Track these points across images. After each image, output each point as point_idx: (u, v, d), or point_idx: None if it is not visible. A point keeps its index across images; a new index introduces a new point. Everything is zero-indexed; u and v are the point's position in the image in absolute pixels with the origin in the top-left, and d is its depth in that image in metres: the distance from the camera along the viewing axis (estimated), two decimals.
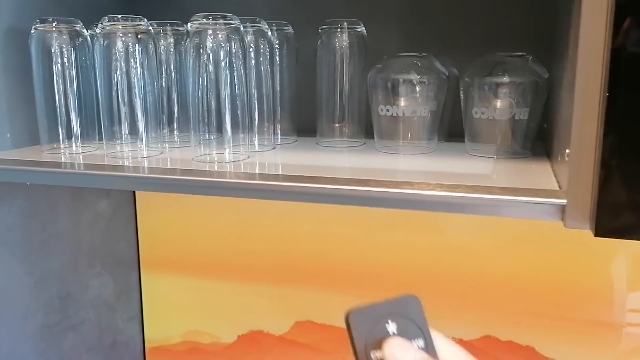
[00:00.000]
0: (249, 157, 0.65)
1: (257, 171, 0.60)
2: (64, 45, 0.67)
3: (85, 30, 0.68)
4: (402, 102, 0.65)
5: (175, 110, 0.75)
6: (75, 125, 0.69)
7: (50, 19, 0.66)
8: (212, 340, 1.02)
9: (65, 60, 0.67)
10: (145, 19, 0.66)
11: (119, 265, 0.99)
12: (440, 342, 0.32)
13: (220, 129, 0.62)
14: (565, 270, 0.80)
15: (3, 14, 0.70)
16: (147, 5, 0.87)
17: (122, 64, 0.64)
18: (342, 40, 0.70)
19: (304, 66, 0.74)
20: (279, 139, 0.74)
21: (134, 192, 1.01)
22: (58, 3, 0.77)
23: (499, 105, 0.62)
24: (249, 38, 0.67)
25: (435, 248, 0.85)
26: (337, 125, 0.73)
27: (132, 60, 0.65)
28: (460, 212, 0.48)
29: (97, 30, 0.64)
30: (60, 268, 0.85)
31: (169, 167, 0.62)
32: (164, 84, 0.72)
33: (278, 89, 0.73)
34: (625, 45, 0.40)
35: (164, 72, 0.72)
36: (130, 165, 0.63)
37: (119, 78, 0.65)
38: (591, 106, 0.41)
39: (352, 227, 0.89)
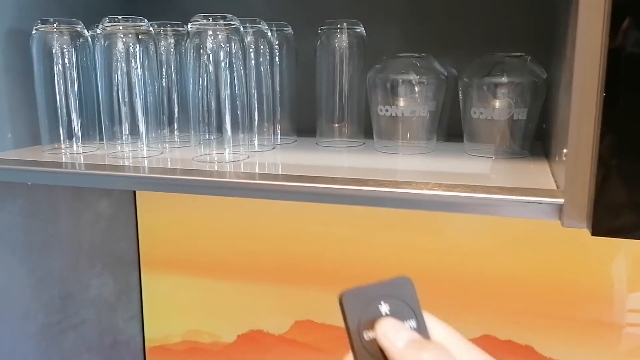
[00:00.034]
0: (248, 157, 0.65)
1: (257, 171, 0.60)
2: (64, 45, 0.67)
3: (86, 31, 0.69)
4: (401, 102, 0.66)
5: (176, 110, 0.75)
6: (76, 126, 0.70)
7: (51, 20, 0.67)
8: (212, 339, 1.02)
9: (66, 60, 0.67)
10: (146, 20, 0.66)
11: (119, 264, 0.99)
12: (433, 323, 0.32)
13: (220, 129, 0.63)
14: (564, 270, 0.80)
15: (4, 15, 0.70)
16: (147, 6, 0.88)
17: (123, 65, 0.65)
18: (342, 40, 0.70)
19: (303, 66, 0.74)
20: (279, 139, 0.75)
21: (135, 192, 1.01)
22: (59, 4, 0.77)
23: (498, 106, 0.62)
24: (248, 39, 0.67)
25: (435, 248, 0.85)
26: (336, 125, 0.73)
27: (132, 60, 0.65)
28: (459, 211, 0.48)
29: (98, 31, 0.65)
30: (60, 268, 0.86)
31: (169, 167, 0.62)
32: (164, 84, 0.73)
33: (278, 89, 0.73)
34: (622, 46, 0.40)
35: (164, 73, 0.73)
36: (131, 165, 0.63)
37: (120, 78, 0.65)
38: (588, 106, 0.41)
39: (352, 227, 0.89)
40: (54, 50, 0.67)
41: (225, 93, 0.62)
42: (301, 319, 0.95)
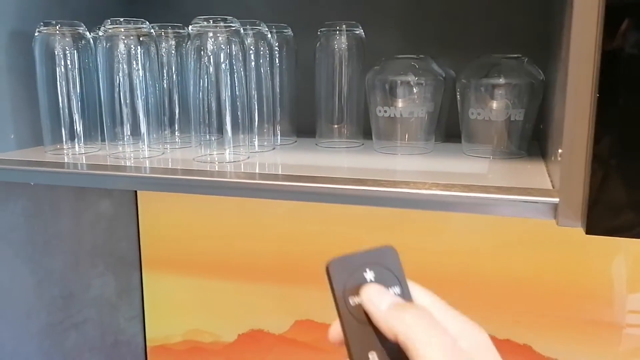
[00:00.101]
0: (249, 157, 0.66)
1: (257, 171, 0.61)
2: (67, 47, 0.68)
3: (88, 33, 0.69)
4: (400, 104, 0.66)
5: (177, 111, 0.76)
6: (78, 127, 0.70)
7: (54, 22, 0.67)
8: (213, 339, 1.03)
9: (69, 62, 0.68)
10: (147, 22, 0.67)
11: (120, 264, 1.00)
12: (417, 291, 0.33)
13: (220, 130, 0.63)
14: (563, 270, 0.81)
15: (7, 18, 0.71)
16: (148, 8, 0.88)
17: (124, 66, 0.65)
18: (341, 42, 0.71)
19: (303, 68, 0.75)
20: (279, 140, 0.75)
21: (136, 192, 1.02)
22: (61, 6, 0.78)
23: (495, 107, 0.63)
24: (249, 40, 0.68)
25: (435, 248, 0.86)
26: (336, 126, 0.73)
27: (134, 62, 0.66)
28: (456, 210, 0.49)
29: (100, 33, 0.65)
30: (62, 267, 0.86)
31: (170, 167, 0.63)
32: (165, 85, 0.74)
33: (278, 90, 0.74)
34: (615, 47, 0.40)
35: (165, 74, 0.73)
36: (132, 165, 0.64)
37: (121, 80, 0.66)
38: (583, 106, 0.42)
39: (352, 227, 0.90)
40: (56, 52, 0.67)
41: (226, 94, 0.62)
42: (301, 318, 0.96)
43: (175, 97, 0.75)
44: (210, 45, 0.61)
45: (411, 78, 0.66)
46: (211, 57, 0.61)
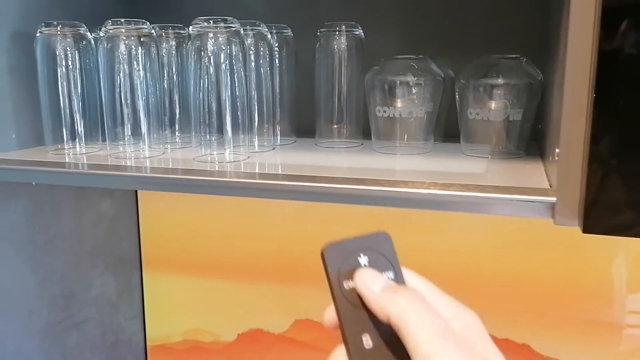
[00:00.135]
0: (249, 157, 0.66)
1: (257, 171, 0.61)
2: (68, 48, 0.68)
3: (89, 34, 0.70)
4: (399, 104, 0.67)
5: (177, 111, 0.76)
6: (79, 127, 0.71)
7: (55, 23, 0.68)
8: (213, 338, 1.03)
9: (70, 62, 0.68)
10: (148, 23, 0.67)
11: (121, 264, 1.00)
12: (411, 276, 0.33)
13: (220, 130, 0.64)
14: (562, 270, 0.81)
15: (9, 18, 0.71)
16: (149, 9, 0.89)
17: (125, 67, 0.66)
18: (340, 43, 0.71)
19: (303, 68, 0.75)
20: (279, 140, 0.76)
21: (136, 192, 1.02)
22: (63, 7, 0.79)
23: (494, 107, 0.63)
24: (249, 41, 0.68)
25: (434, 248, 0.86)
26: (335, 126, 0.74)
27: (134, 62, 0.66)
28: (454, 210, 0.49)
29: (101, 34, 0.66)
30: (63, 267, 0.87)
31: (170, 167, 0.63)
32: (165, 86, 0.74)
33: (277, 90, 0.74)
34: (612, 48, 0.41)
35: (165, 75, 0.74)
36: (133, 165, 0.64)
37: (122, 80, 0.66)
38: (579, 106, 0.42)
39: (352, 227, 0.90)
40: (57, 52, 0.68)
41: (226, 94, 0.63)
42: (301, 318, 0.96)
43: (176, 98, 0.75)
44: (210, 46, 0.61)
45: (410, 78, 0.66)
46: (211, 57, 0.62)
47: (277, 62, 0.74)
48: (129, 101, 0.67)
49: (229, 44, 0.62)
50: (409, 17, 0.81)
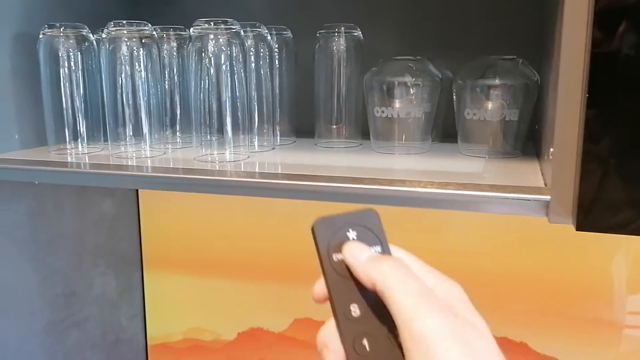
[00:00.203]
0: (249, 157, 0.67)
1: (257, 170, 0.62)
2: (70, 49, 0.69)
3: (91, 35, 0.71)
4: (397, 104, 0.68)
5: (178, 112, 0.77)
6: (81, 127, 0.72)
7: (58, 25, 0.68)
8: (213, 337, 1.04)
9: (72, 64, 0.69)
10: (149, 24, 0.68)
11: (122, 263, 1.01)
12: (399, 252, 0.34)
13: (221, 130, 0.64)
14: (560, 269, 0.82)
15: (12, 20, 0.72)
16: (151, 11, 0.90)
17: (127, 68, 0.67)
18: (339, 44, 0.72)
19: (302, 69, 0.76)
20: (278, 140, 0.77)
21: (137, 192, 1.03)
22: (65, 9, 0.79)
23: (490, 107, 0.64)
24: (249, 42, 0.69)
25: (434, 247, 0.87)
26: (334, 126, 0.75)
27: (136, 64, 0.67)
28: (450, 208, 0.50)
29: (103, 35, 0.66)
30: (65, 266, 0.87)
31: (171, 166, 0.64)
32: (167, 86, 0.75)
33: (277, 91, 0.75)
34: (604, 49, 0.42)
35: (167, 76, 0.74)
36: (135, 164, 0.65)
37: (124, 81, 0.67)
38: (573, 106, 0.43)
39: None
40: (60, 53, 0.69)
41: (226, 95, 0.63)
42: (300, 316, 0.97)
43: (177, 98, 0.76)
44: (211, 47, 0.62)
45: (408, 79, 0.67)
46: (212, 58, 0.62)
47: (277, 63, 0.74)
48: (130, 102, 0.68)
49: (229, 45, 0.62)
50: (407, 18, 0.82)
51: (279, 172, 0.61)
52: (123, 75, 0.67)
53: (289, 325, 0.98)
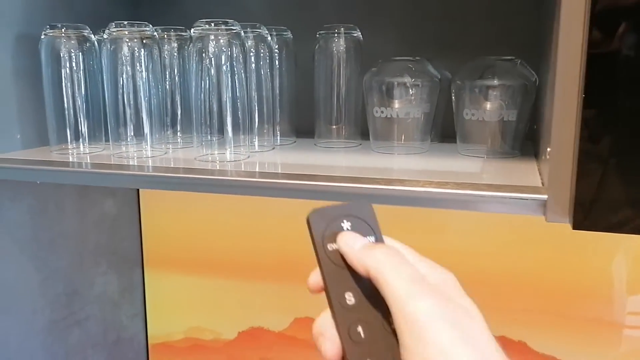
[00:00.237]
0: (249, 157, 0.67)
1: (257, 170, 0.62)
2: (72, 50, 0.69)
3: (92, 36, 0.71)
4: (397, 104, 0.68)
5: (179, 112, 0.77)
6: (83, 127, 0.72)
7: (60, 25, 0.69)
8: (214, 336, 1.04)
9: (74, 64, 0.70)
10: (150, 25, 0.68)
11: (123, 263, 1.01)
12: (393, 242, 0.35)
13: (221, 130, 0.65)
14: (559, 268, 0.82)
15: (15, 21, 0.73)
16: (152, 12, 0.90)
17: (128, 68, 0.67)
18: (339, 45, 0.72)
19: (302, 70, 0.76)
20: (278, 140, 0.77)
21: (138, 192, 1.04)
22: (67, 10, 0.80)
23: (489, 107, 0.65)
24: (249, 43, 0.70)
25: (433, 246, 0.87)
26: (334, 126, 0.75)
27: (137, 64, 0.67)
28: (448, 207, 0.50)
29: (104, 36, 0.67)
30: (67, 265, 0.88)
31: (172, 166, 0.64)
32: (168, 87, 0.75)
33: (277, 92, 0.75)
34: (600, 50, 0.42)
35: (167, 76, 0.75)
36: (136, 164, 0.66)
37: (125, 81, 0.67)
38: (570, 106, 0.44)
39: None
40: (62, 54, 0.69)
41: (227, 95, 0.64)
42: (300, 316, 0.97)
43: (178, 99, 0.76)
44: (211, 48, 0.63)
45: (407, 79, 0.67)
46: (212, 59, 0.63)
47: (277, 63, 0.75)
48: (131, 102, 0.68)
49: (229, 45, 0.63)
50: (406, 19, 0.82)
51: (279, 171, 0.62)
52: (124, 76, 0.67)
53: (289, 325, 0.98)
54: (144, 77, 0.68)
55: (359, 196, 0.53)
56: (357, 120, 0.75)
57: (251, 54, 0.70)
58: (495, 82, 0.64)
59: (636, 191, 0.43)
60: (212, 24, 0.62)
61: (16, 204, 0.77)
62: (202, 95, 0.64)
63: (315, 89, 0.75)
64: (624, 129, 0.43)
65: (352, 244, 0.32)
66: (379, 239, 0.34)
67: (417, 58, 0.69)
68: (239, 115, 0.65)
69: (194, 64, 0.64)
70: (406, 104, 0.68)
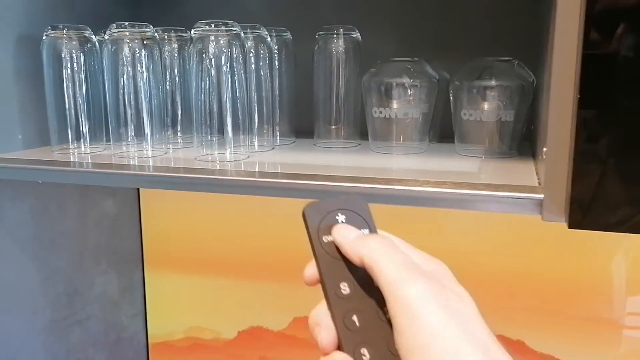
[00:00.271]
0: (249, 157, 0.68)
1: (257, 170, 0.63)
2: (73, 50, 0.70)
3: (93, 37, 0.72)
4: (395, 105, 0.68)
5: (179, 112, 0.77)
6: (84, 127, 0.72)
7: (61, 26, 0.69)
8: (214, 335, 1.04)
9: (75, 65, 0.70)
10: (151, 26, 0.69)
11: (123, 262, 1.02)
12: (388, 235, 0.35)
13: (221, 130, 0.65)
14: (558, 268, 0.82)
15: (16, 22, 0.73)
16: (152, 13, 0.91)
17: (129, 69, 0.67)
18: (338, 45, 0.73)
19: (301, 70, 0.77)
20: (278, 140, 0.77)
21: (138, 192, 1.04)
22: (68, 11, 0.80)
23: (487, 108, 0.65)
24: (249, 44, 0.70)
25: (433, 246, 0.86)
26: (333, 127, 0.75)
27: (138, 65, 0.68)
28: (446, 206, 0.51)
29: (105, 37, 0.67)
30: (67, 265, 0.88)
31: (172, 166, 0.65)
32: (168, 87, 0.76)
33: (277, 92, 0.76)
34: (596, 51, 0.43)
35: (168, 77, 0.75)
36: (136, 164, 0.66)
37: (126, 82, 0.68)
38: (565, 106, 0.44)
39: None
40: (63, 55, 0.70)
41: (227, 96, 0.64)
42: (300, 315, 0.98)
43: (178, 99, 0.77)
44: (211, 49, 0.63)
45: (406, 80, 0.68)
46: (212, 59, 0.63)
47: (276, 64, 0.75)
48: (132, 102, 0.68)
49: (229, 46, 0.63)
50: (404, 20, 0.83)
51: (279, 171, 0.62)
52: (125, 76, 0.68)
53: (289, 324, 0.99)
54: (145, 77, 0.68)
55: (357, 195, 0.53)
56: (356, 121, 0.75)
57: (251, 54, 0.70)
58: (493, 82, 0.65)
59: (631, 190, 0.44)
60: (212, 25, 0.63)
61: (17, 204, 0.78)
62: (202, 95, 0.64)
63: (315, 90, 0.75)
64: (619, 129, 0.44)
65: (346, 235, 0.33)
66: (372, 231, 0.35)
67: (416, 59, 0.70)
68: (239, 115, 0.65)
69: (194, 65, 0.64)
70: (405, 104, 0.68)
